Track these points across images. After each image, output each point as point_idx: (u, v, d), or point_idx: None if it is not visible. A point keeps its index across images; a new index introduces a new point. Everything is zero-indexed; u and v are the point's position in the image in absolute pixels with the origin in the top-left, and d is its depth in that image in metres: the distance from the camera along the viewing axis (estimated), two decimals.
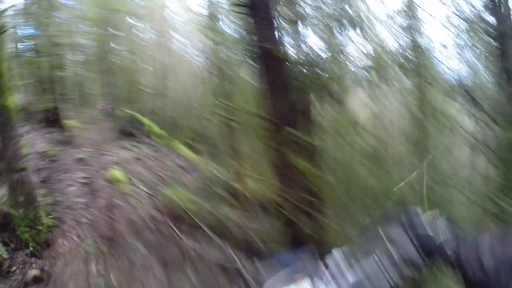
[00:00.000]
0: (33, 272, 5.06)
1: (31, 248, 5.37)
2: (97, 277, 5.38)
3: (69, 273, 5.30)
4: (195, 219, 7.12)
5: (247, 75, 10.19)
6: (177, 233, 6.78)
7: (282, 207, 6.02)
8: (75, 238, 5.96)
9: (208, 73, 11.01)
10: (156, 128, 11.41)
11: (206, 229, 6.99)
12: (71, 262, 5.49)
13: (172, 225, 6.99)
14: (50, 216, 5.97)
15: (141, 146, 10.58)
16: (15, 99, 6.98)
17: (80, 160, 8.35)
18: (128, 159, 9.38)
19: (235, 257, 6.46)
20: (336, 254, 1.23)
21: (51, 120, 9.39)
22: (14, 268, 5.10)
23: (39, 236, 5.54)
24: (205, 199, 7.97)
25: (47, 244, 5.62)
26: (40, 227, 5.58)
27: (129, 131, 10.61)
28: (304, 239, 5.55)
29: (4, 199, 5.58)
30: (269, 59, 6.09)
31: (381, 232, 1.22)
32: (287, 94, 6.01)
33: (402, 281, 1.12)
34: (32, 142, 8.08)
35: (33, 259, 5.27)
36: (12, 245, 5.30)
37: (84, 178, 7.61)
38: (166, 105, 13.18)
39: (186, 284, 5.64)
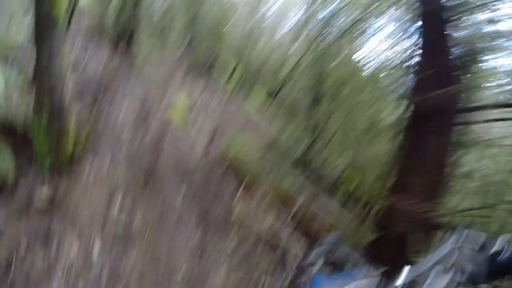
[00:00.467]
0: (42, 194, 3.97)
1: (47, 166, 4.24)
2: (119, 216, 4.22)
3: (86, 203, 4.18)
4: (254, 183, 5.74)
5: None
6: (228, 192, 5.46)
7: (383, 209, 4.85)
8: (106, 165, 4.83)
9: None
10: (235, 73, 10.08)
11: (264, 197, 5.61)
12: (92, 191, 4.38)
13: (224, 182, 5.66)
14: (82, 133, 4.84)
15: (213, 87, 9.34)
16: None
17: (140, 87, 7.26)
18: (195, 97, 8.19)
19: (289, 239, 5.07)
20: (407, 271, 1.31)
21: (121, 41, 8.34)
22: (20, 186, 4.01)
23: (61, 153, 4.43)
24: (272, 164, 6.57)
25: (69, 165, 4.50)
26: (65, 142, 4.44)
27: (204, 69, 9.38)
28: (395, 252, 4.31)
29: (30, 105, 4.47)
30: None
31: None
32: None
33: None
34: (90, 57, 7.06)
35: (46, 179, 4.16)
36: (24, 159, 4.21)
37: (138, 107, 6.49)
38: (253, 56, 11.81)
39: (220, 253, 4.35)
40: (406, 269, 1.32)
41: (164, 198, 4.79)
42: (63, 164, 4.42)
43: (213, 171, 5.79)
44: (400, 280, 1.29)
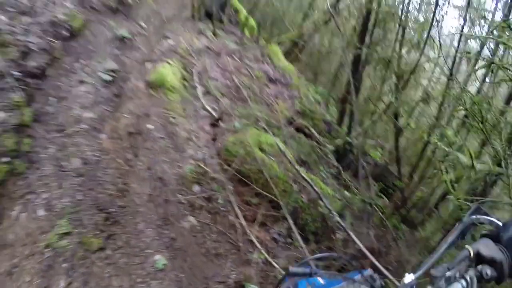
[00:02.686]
0: None
1: None
2: None
3: None
4: (276, 197, 3.95)
5: None
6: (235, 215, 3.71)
7: None
8: (41, 212, 3.06)
9: None
10: (251, 22, 7.83)
11: (291, 224, 3.88)
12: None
13: (232, 200, 3.87)
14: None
15: (225, 36, 7.15)
16: None
17: (121, 40, 5.18)
18: (200, 50, 6.09)
19: None
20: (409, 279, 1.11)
21: None
22: None
23: None
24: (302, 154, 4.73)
25: None
26: None
27: (215, 14, 7.11)
28: None
29: None
30: None
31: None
32: None
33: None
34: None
35: None
36: None
37: (111, 71, 4.50)
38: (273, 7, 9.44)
39: None
40: (408, 276, 1.12)
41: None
42: None
43: (220, 178, 3.92)
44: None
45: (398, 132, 6.99)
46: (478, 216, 1.27)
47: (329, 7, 7.46)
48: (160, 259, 3.04)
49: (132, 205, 3.28)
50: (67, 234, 2.96)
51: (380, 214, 5.41)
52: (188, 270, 3.08)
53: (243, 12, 7.94)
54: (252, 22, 7.85)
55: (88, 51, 4.64)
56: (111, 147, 3.68)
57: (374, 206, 5.19)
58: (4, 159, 3.17)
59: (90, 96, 4.07)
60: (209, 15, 7.39)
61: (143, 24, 6.00)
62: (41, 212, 3.05)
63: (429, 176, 7.43)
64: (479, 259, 1.15)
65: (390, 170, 7.76)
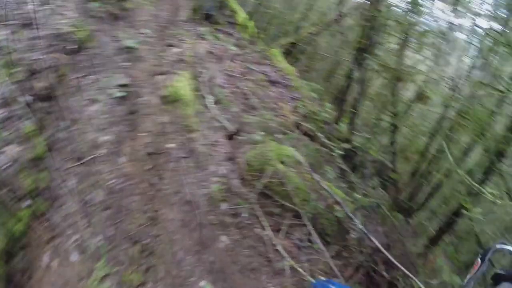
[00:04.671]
0: None
1: None
2: None
3: None
4: (297, 207, 3.98)
5: None
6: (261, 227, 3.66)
7: None
8: (75, 257, 2.88)
9: None
10: (250, 24, 7.67)
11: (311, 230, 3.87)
12: None
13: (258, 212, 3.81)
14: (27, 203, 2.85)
15: (224, 38, 6.99)
16: None
17: (128, 51, 4.98)
18: (203, 55, 5.94)
19: None
20: None
21: None
22: None
23: None
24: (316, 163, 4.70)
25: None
26: None
27: (212, 16, 6.95)
28: None
29: None
30: None
31: None
32: None
33: None
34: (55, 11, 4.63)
35: None
36: None
37: (123, 86, 4.30)
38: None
39: None
40: None
41: None
42: None
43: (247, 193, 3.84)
44: None
45: (395, 128, 7.20)
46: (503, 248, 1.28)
47: (335, 10, 7.45)
48: (205, 285, 2.95)
49: (165, 232, 3.15)
50: (106, 276, 2.78)
51: (385, 211, 5.50)
52: None
53: (241, 13, 7.78)
54: (250, 23, 7.70)
55: (96, 65, 4.43)
56: (133, 171, 3.52)
57: (381, 206, 5.29)
58: (25, 203, 2.86)
59: (104, 116, 3.87)
60: (207, 17, 7.22)
61: (145, 31, 5.79)
62: (75, 257, 2.85)
63: (425, 171, 7.75)
64: None
65: (385, 164, 7.94)
